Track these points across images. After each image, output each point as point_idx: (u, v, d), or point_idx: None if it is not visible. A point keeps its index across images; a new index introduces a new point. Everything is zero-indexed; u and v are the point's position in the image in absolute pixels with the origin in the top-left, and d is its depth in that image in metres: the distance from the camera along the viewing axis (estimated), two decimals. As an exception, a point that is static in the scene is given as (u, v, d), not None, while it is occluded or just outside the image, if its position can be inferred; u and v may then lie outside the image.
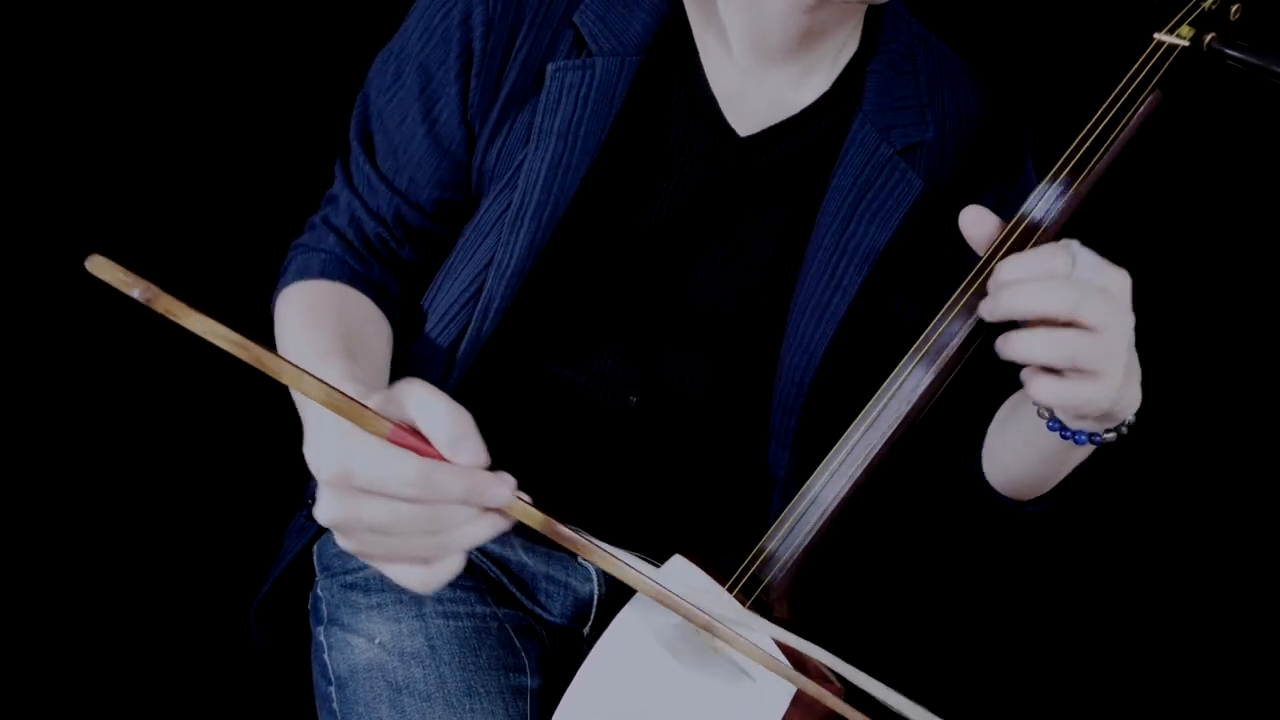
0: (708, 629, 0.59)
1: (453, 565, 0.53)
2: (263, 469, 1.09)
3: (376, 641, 0.85)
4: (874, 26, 0.86)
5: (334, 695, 0.86)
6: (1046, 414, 0.68)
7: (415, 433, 0.50)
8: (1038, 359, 0.60)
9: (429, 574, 0.52)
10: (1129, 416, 0.66)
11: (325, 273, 0.84)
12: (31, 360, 1.27)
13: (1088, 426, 0.67)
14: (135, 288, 0.42)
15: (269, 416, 1.29)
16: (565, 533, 0.53)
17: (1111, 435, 0.67)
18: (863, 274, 0.83)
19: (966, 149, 0.87)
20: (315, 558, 0.96)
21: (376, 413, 0.49)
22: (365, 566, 0.90)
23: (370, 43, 0.89)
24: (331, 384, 0.48)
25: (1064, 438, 0.68)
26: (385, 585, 0.89)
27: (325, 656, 0.88)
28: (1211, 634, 1.35)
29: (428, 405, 0.50)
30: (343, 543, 0.52)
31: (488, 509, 0.52)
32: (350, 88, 0.89)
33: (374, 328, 0.82)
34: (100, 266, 0.41)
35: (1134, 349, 0.64)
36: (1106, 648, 1.38)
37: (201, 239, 1.29)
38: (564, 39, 0.81)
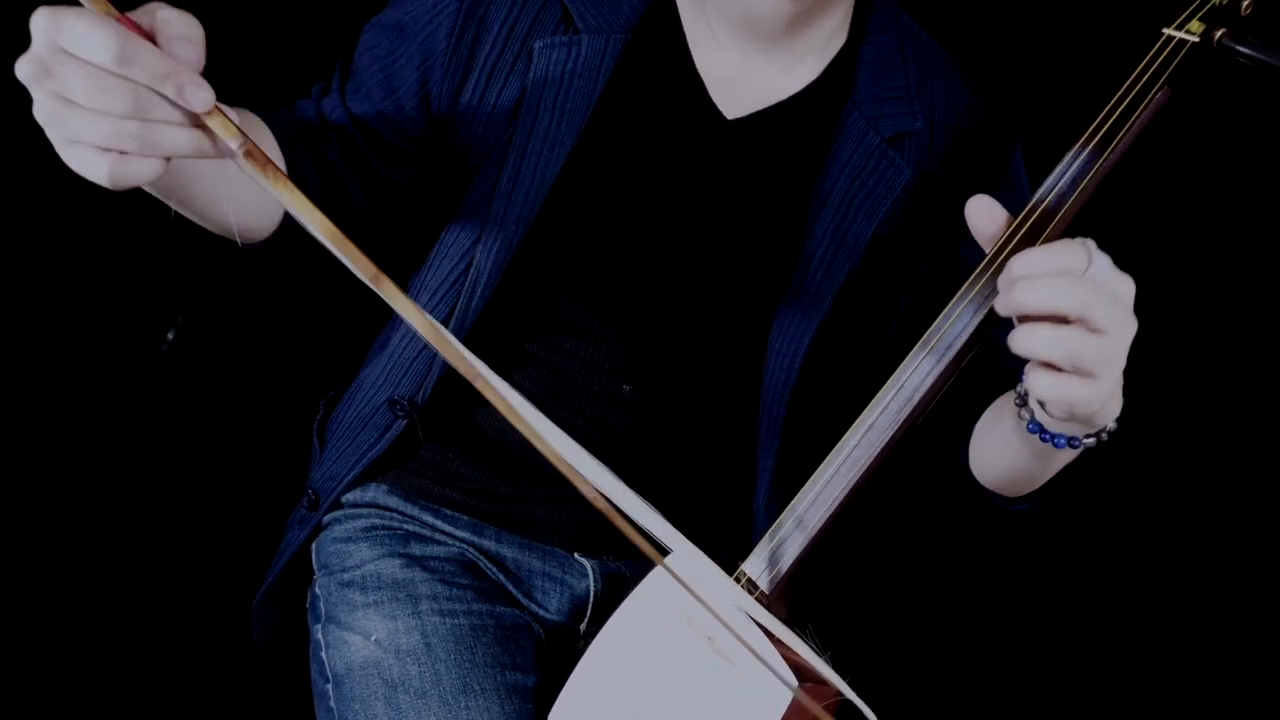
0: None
1: (146, 167, 0.52)
2: (262, 467, 1.09)
3: (373, 639, 0.85)
4: (863, 18, 0.87)
5: (331, 693, 0.85)
6: (1027, 416, 0.68)
7: (144, 30, 0.51)
8: (1041, 355, 0.60)
9: (119, 165, 0.51)
10: (1110, 423, 0.66)
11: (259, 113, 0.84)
12: (31, 359, 1.27)
13: (1069, 430, 0.66)
14: None
15: (269, 414, 1.29)
16: (261, 157, 0.51)
17: (1091, 441, 0.67)
18: (850, 261, 0.83)
19: (955, 141, 0.87)
20: (314, 555, 0.96)
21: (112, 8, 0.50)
22: (362, 565, 0.91)
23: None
24: None
25: (1043, 441, 0.67)
26: (382, 583, 0.89)
27: (323, 654, 0.88)
28: (1206, 633, 1.34)
29: (163, 6, 0.51)
30: (38, 109, 0.51)
31: (195, 122, 0.52)
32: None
33: (258, 127, 0.79)
34: None
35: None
36: (1102, 646, 1.38)
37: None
38: (551, 16, 0.82)
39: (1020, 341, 0.60)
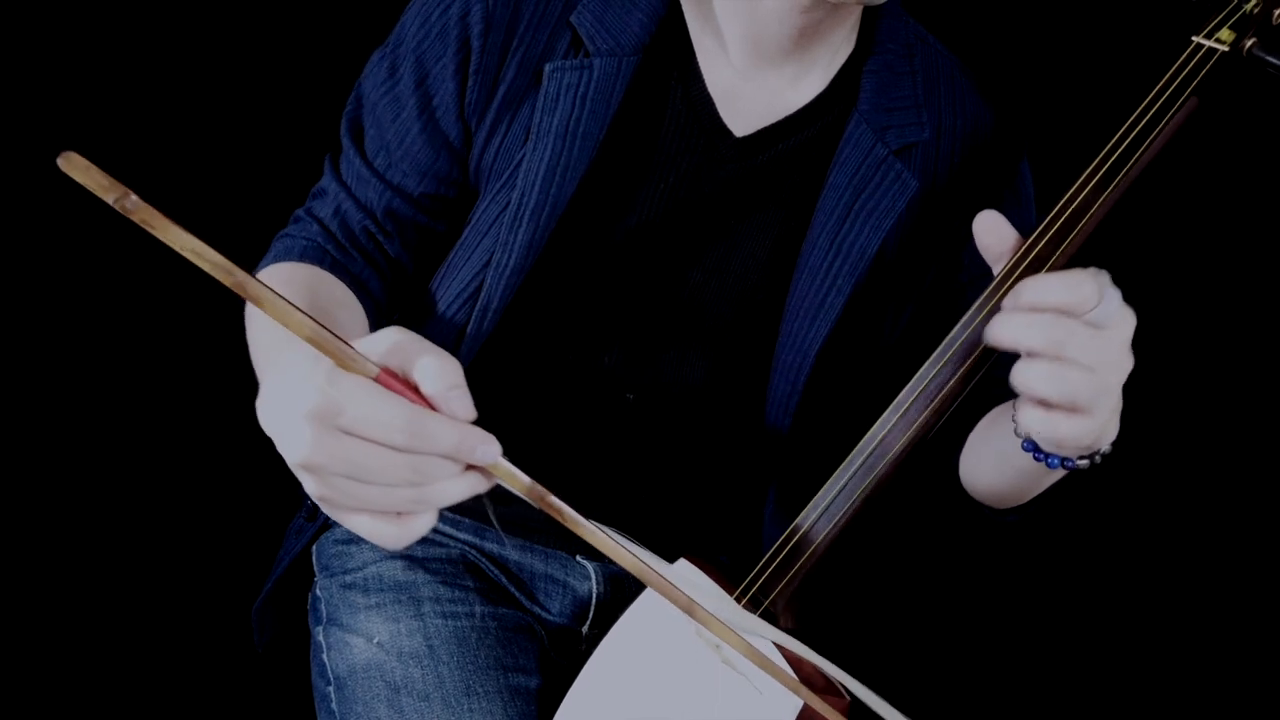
0: (701, 620, 0.54)
1: (426, 522, 0.50)
2: (262, 470, 1.08)
3: (375, 641, 0.84)
4: (871, 27, 0.85)
5: (333, 695, 0.85)
6: (1023, 434, 0.67)
7: (402, 379, 0.48)
8: (1034, 392, 0.59)
9: (401, 530, 0.49)
10: (1105, 447, 0.66)
11: (305, 256, 0.83)
12: (32, 361, 1.26)
13: (1064, 452, 0.66)
14: (111, 193, 0.38)
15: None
16: (554, 501, 0.50)
17: (1085, 463, 0.67)
18: (857, 273, 0.83)
19: (963, 150, 0.86)
20: (314, 558, 0.95)
21: (362, 354, 0.46)
22: (364, 566, 0.90)
23: (365, 42, 0.87)
24: (316, 319, 0.44)
25: (1037, 460, 0.67)
26: (384, 585, 0.88)
27: (324, 656, 0.88)
28: (1204, 637, 1.35)
29: (415, 352, 0.48)
30: (314, 488, 0.48)
31: (470, 466, 0.49)
32: (343, 87, 0.88)
33: (348, 312, 0.80)
34: (75, 166, 0.37)
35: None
36: (1103, 652, 1.38)
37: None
38: (561, 39, 0.80)
39: (1014, 376, 0.60)
